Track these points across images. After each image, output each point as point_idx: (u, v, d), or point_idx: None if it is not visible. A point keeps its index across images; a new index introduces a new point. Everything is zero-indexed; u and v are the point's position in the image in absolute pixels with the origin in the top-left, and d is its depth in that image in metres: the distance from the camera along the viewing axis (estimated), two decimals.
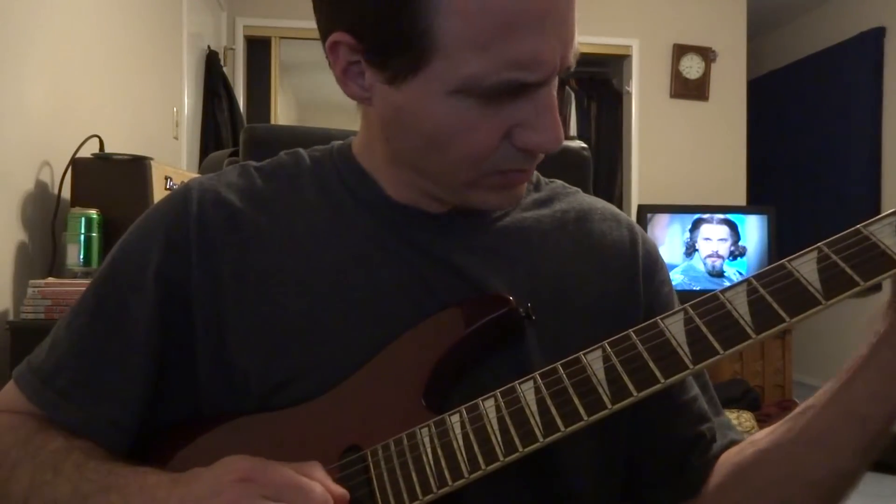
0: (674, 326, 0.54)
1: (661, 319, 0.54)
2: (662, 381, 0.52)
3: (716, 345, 0.52)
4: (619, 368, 0.54)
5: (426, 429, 0.57)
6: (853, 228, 0.52)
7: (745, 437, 0.70)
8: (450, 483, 0.55)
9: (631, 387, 0.53)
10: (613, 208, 0.78)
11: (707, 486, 0.67)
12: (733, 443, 0.70)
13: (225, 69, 3.83)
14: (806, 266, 0.51)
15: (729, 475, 0.66)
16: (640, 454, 0.71)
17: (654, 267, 0.74)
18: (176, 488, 0.55)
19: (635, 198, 4.53)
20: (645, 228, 3.87)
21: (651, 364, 0.53)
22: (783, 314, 0.51)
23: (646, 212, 3.96)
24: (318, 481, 0.53)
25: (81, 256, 1.74)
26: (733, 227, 3.97)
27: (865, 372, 0.56)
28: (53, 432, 0.63)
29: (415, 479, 0.56)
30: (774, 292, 0.52)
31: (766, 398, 3.71)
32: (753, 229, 3.98)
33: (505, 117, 0.58)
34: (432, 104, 0.58)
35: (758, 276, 0.53)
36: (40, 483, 0.60)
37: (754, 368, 3.78)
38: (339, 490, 0.54)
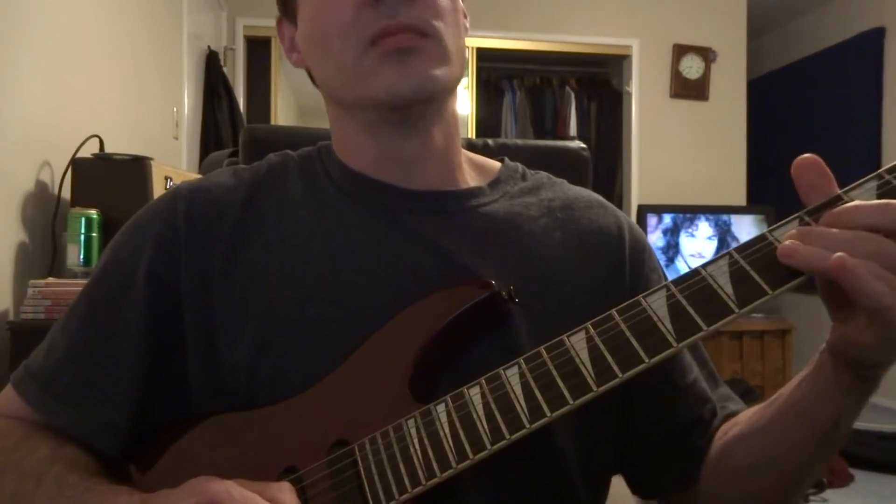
0: (656, 303, 0.53)
1: (644, 297, 0.53)
2: (647, 360, 0.51)
3: (698, 320, 0.50)
4: (603, 349, 0.53)
5: (412, 420, 0.57)
6: (836, 195, 0.51)
7: (743, 406, 0.71)
8: (438, 474, 0.54)
9: (615, 368, 0.52)
10: (599, 197, 0.79)
11: (705, 468, 0.68)
12: (730, 415, 0.70)
13: (225, 69, 3.83)
14: (788, 235, 0.50)
15: (714, 457, 0.67)
16: (640, 440, 0.71)
17: (641, 255, 0.74)
18: None
19: (635, 198, 4.53)
20: (644, 229, 3.87)
21: (634, 343, 0.52)
22: (765, 286, 0.49)
23: (646, 212, 3.96)
24: None
25: (81, 256, 1.74)
26: (724, 228, 3.96)
27: (812, 373, 0.57)
28: (40, 440, 0.64)
29: (403, 471, 0.56)
30: (756, 262, 0.50)
31: (766, 398, 3.69)
32: (753, 229, 3.98)
33: None
34: (308, 9, 0.69)
35: (739, 249, 0.52)
36: (22, 493, 0.60)
37: (754, 368, 3.78)
38: None
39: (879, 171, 0.50)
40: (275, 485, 0.54)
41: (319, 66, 0.70)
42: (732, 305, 0.50)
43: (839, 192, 0.51)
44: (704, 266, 0.52)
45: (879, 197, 0.49)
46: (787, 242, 0.49)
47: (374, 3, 0.63)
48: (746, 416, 0.66)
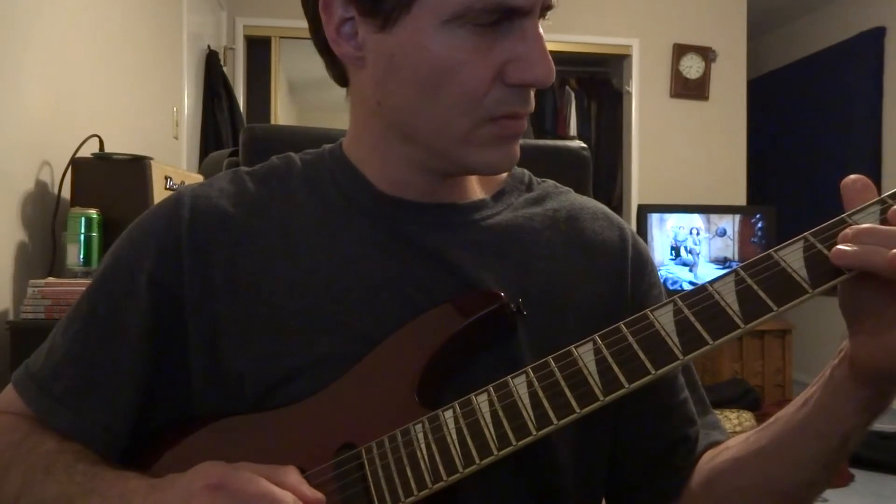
0: (663, 318, 0.54)
1: (651, 311, 0.55)
2: (653, 372, 0.52)
3: (704, 335, 0.52)
4: (610, 360, 0.54)
5: (420, 425, 0.58)
6: (839, 217, 0.52)
7: (730, 436, 0.71)
8: (444, 478, 0.55)
9: (622, 378, 0.53)
10: (605, 208, 0.79)
11: (687, 489, 0.68)
12: (714, 444, 0.70)
13: (225, 69, 3.84)
14: (792, 255, 0.52)
15: (701, 480, 0.67)
16: (623, 455, 0.71)
17: (643, 269, 0.75)
18: (151, 494, 0.56)
19: (635, 198, 4.54)
20: (645, 228, 3.88)
21: (641, 355, 0.53)
22: (770, 303, 0.51)
23: (646, 211, 3.96)
24: (291, 488, 0.53)
25: (81, 256, 1.74)
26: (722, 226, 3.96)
27: (821, 390, 0.56)
28: (46, 433, 0.64)
29: (409, 474, 0.56)
30: (762, 282, 0.52)
31: (766, 398, 3.71)
32: (753, 229, 3.98)
33: (496, 54, 0.59)
34: (426, 39, 0.59)
35: (745, 267, 0.53)
36: (31, 483, 0.61)
37: (754, 368, 3.78)
38: (314, 495, 0.54)
39: (883, 195, 0.51)
40: (280, 468, 0.55)
41: (403, 98, 0.63)
42: (738, 321, 0.51)
43: (843, 215, 0.52)
44: (711, 283, 0.54)
45: (882, 221, 0.50)
46: (839, 246, 0.49)
47: (510, 87, 0.60)
48: (739, 441, 0.66)
